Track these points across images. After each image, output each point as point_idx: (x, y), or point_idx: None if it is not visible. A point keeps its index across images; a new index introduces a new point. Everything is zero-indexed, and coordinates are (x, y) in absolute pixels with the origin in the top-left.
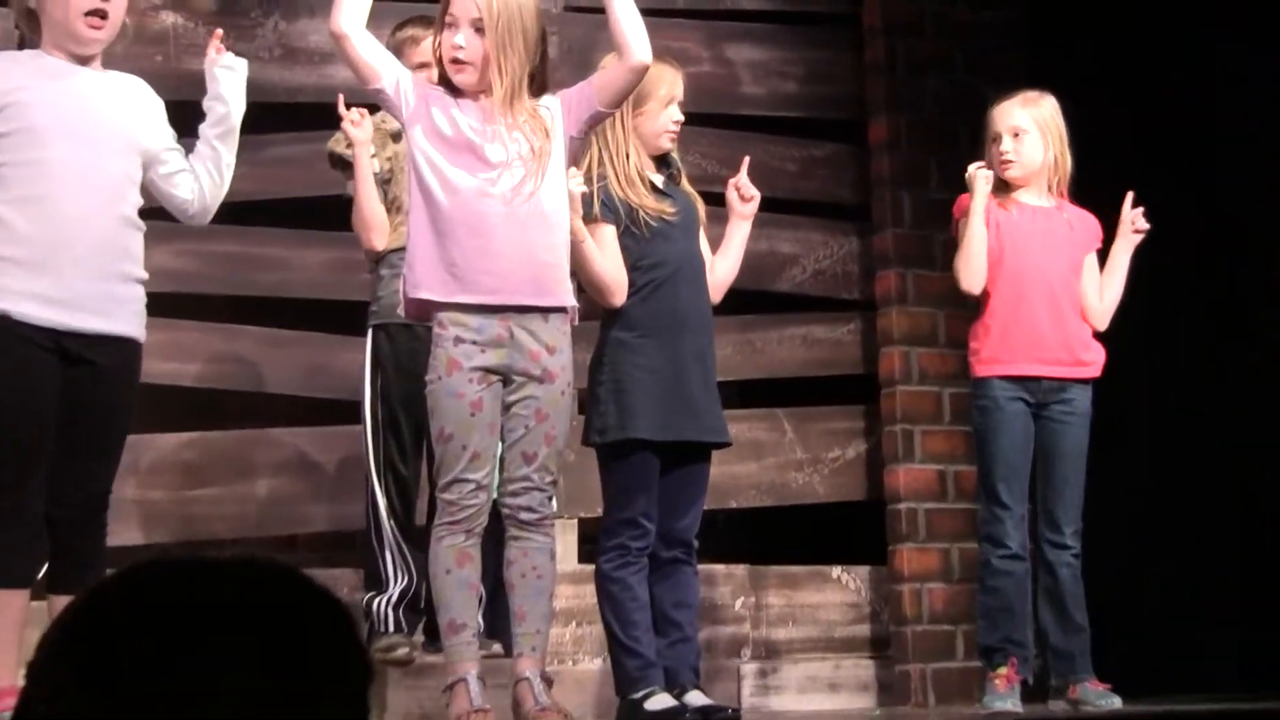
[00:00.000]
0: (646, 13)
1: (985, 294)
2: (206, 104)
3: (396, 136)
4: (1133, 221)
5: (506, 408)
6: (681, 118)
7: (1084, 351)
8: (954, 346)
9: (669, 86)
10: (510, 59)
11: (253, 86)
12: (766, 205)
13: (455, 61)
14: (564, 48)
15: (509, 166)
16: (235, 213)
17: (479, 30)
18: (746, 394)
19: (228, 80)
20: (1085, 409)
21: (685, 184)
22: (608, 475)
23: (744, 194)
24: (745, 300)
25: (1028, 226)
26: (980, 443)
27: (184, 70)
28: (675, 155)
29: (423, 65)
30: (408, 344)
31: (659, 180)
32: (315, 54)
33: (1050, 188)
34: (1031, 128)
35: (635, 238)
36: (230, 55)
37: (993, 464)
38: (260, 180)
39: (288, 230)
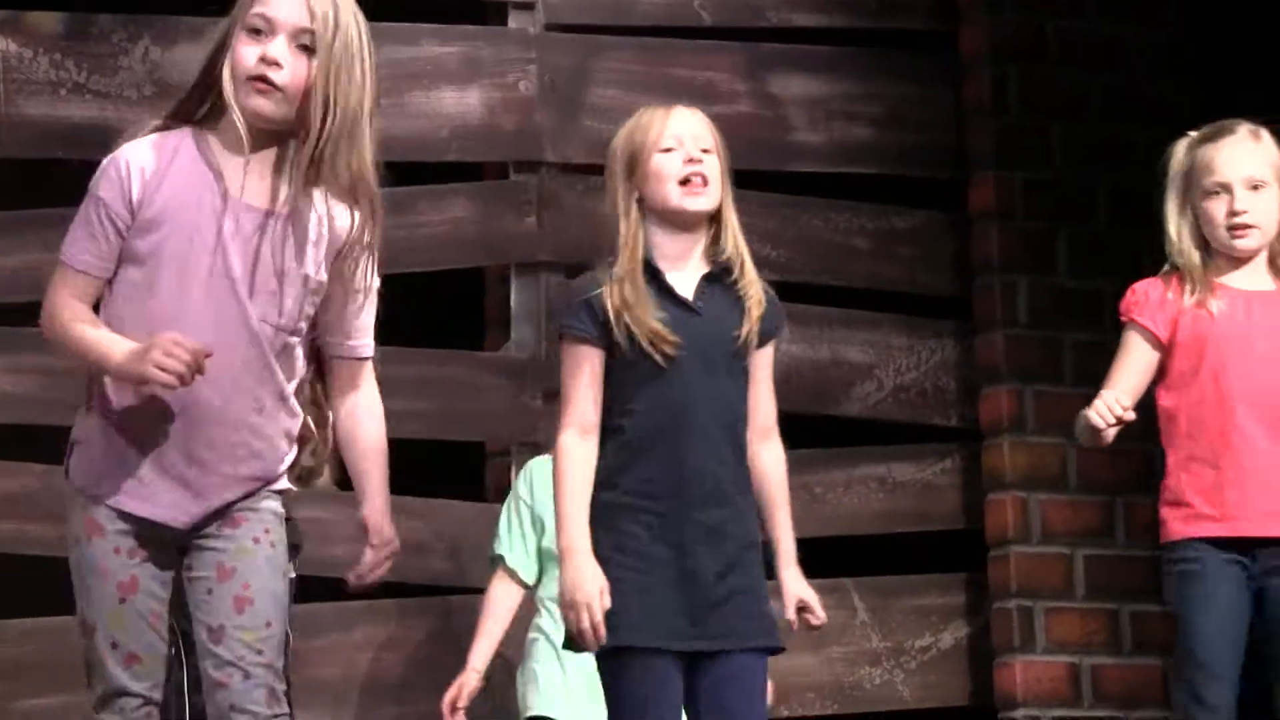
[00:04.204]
0: (663, 30)
1: (1178, 423)
2: None
3: None
4: None
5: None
6: (698, 154)
7: None
8: (1089, 491)
9: (658, 125)
10: (345, 93)
11: (113, 135)
12: (831, 298)
13: (262, 80)
14: (545, 82)
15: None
16: None
17: (306, 48)
18: (804, 559)
19: None
20: None
21: (749, 280)
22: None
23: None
24: (802, 429)
25: (1240, 322)
26: (1179, 620)
27: (17, 116)
28: (730, 234)
29: None
30: None
31: (689, 283)
32: None
33: (1274, 259)
34: (1272, 178)
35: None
36: None
37: (1192, 645)
38: None
39: None
